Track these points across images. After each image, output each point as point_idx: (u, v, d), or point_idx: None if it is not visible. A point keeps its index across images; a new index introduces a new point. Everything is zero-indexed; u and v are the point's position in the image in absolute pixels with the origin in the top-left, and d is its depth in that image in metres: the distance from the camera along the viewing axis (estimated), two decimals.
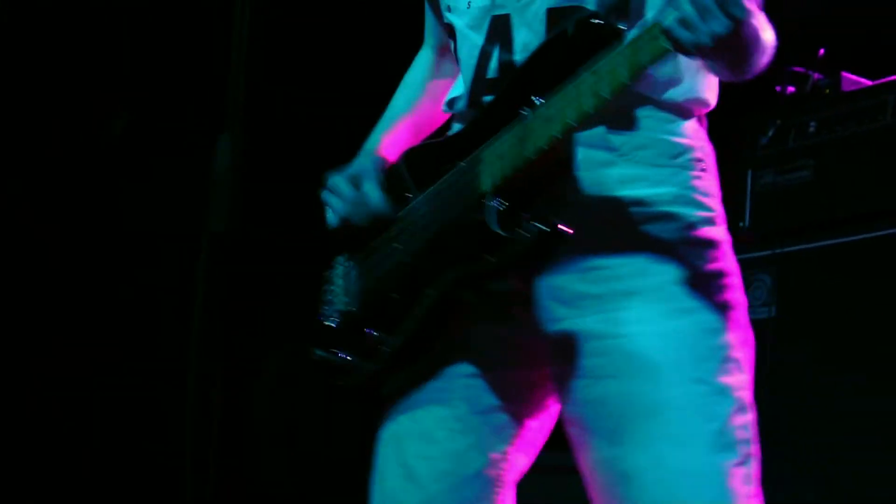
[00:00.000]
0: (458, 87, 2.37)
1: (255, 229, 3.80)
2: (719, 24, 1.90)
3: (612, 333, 2.14)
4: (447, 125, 2.46)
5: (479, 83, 2.28)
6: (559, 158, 2.14)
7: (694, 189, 2.20)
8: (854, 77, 4.02)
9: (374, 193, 2.33)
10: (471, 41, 2.30)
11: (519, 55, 2.23)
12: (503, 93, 2.21)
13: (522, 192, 2.13)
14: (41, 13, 4.92)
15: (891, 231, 3.68)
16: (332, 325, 2.40)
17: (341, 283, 2.42)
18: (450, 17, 2.33)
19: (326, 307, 2.42)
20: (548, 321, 2.21)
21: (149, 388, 4.93)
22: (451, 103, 2.39)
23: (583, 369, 2.17)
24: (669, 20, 1.92)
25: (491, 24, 2.27)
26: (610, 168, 2.19)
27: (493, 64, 2.26)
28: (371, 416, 2.39)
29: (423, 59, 2.58)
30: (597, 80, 2.01)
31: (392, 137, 2.50)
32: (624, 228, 2.18)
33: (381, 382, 2.32)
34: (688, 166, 2.21)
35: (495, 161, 2.14)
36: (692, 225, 2.18)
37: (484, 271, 2.15)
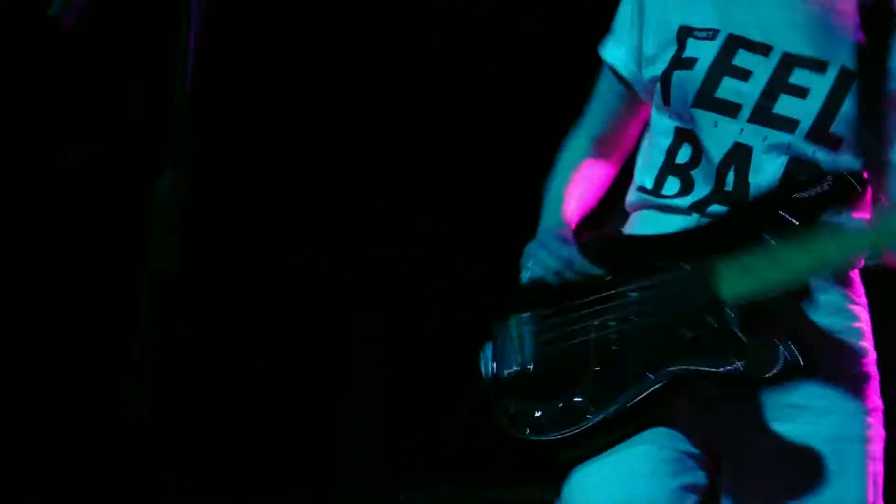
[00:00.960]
0: (648, 177, 2.64)
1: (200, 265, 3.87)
2: None
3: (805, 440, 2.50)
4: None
5: (718, 195, 2.55)
6: (798, 295, 2.46)
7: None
8: None
9: (579, 258, 2.54)
10: (711, 155, 2.56)
11: (752, 181, 2.52)
12: (739, 212, 2.50)
13: (760, 311, 2.42)
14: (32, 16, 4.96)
15: None
16: (510, 377, 2.53)
17: (515, 340, 2.56)
18: (675, 120, 2.60)
19: (501, 361, 2.55)
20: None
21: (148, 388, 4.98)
22: (652, 191, 2.63)
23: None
24: None
25: (733, 148, 2.54)
26: (845, 316, 2.55)
27: (730, 179, 2.54)
28: None
29: (579, 148, 2.79)
30: (842, 251, 2.43)
31: (568, 216, 2.71)
32: (844, 369, 2.54)
33: (567, 446, 2.48)
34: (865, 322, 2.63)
35: (740, 276, 2.42)
36: (872, 369, 2.59)
37: (730, 375, 2.40)
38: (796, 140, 2.52)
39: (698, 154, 2.58)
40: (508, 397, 2.51)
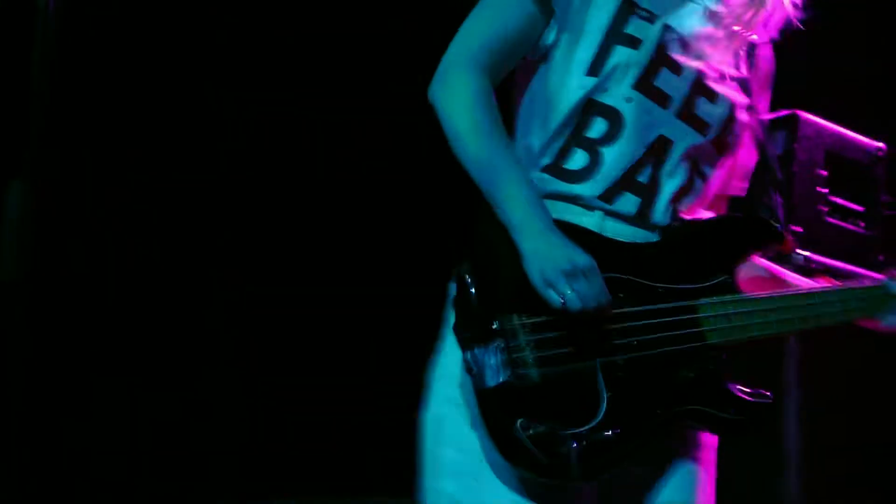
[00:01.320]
0: (549, 150, 2.55)
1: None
2: None
3: None
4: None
5: (627, 183, 2.54)
6: None
7: None
8: None
9: (606, 294, 2.44)
10: (632, 138, 2.54)
11: (663, 178, 2.55)
12: (700, 242, 2.56)
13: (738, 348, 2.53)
14: None
15: None
16: (515, 387, 2.43)
17: (517, 348, 2.44)
18: (592, 90, 2.53)
19: (505, 369, 2.43)
20: None
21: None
22: (572, 174, 2.55)
23: None
24: None
25: (657, 139, 2.55)
26: None
27: (646, 174, 2.54)
28: None
29: (485, 88, 2.52)
30: (827, 314, 2.56)
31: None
32: None
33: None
34: None
35: (721, 321, 2.51)
36: None
37: (720, 417, 2.49)
38: (705, 142, 2.60)
39: (616, 132, 2.54)
40: (521, 414, 2.41)
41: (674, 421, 2.49)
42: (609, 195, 2.54)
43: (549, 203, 2.52)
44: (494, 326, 2.42)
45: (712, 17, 2.64)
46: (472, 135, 2.48)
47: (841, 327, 2.62)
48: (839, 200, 4.28)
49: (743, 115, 2.64)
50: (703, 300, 2.51)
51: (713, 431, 2.58)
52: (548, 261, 2.41)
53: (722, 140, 2.62)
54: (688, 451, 2.61)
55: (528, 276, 2.43)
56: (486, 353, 2.42)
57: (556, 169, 2.56)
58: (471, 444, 2.49)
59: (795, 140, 4.16)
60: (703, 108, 2.59)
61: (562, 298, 2.40)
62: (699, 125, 2.59)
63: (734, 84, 2.64)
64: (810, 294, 2.59)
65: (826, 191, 4.23)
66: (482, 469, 2.48)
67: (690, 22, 2.61)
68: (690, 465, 2.60)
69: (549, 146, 2.56)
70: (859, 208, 4.34)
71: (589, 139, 2.55)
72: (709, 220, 2.63)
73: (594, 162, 2.54)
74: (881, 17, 4.80)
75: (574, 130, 2.55)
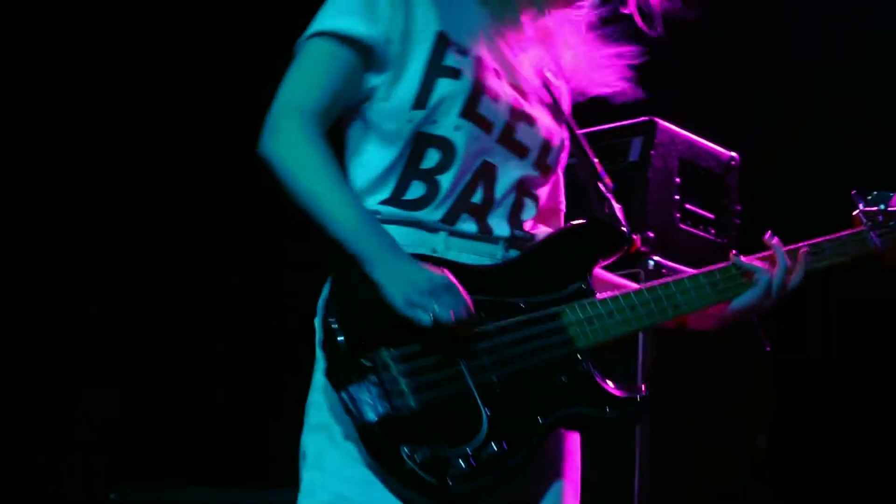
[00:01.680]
0: (385, 184, 2.61)
1: None
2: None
3: None
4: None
5: (463, 205, 2.61)
6: None
7: None
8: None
9: (469, 306, 2.48)
10: (464, 165, 2.61)
11: (495, 198, 2.63)
12: (550, 254, 2.63)
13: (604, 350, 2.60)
14: None
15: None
16: (397, 418, 2.44)
17: (393, 380, 2.45)
18: (419, 123, 2.59)
19: (385, 402, 2.44)
20: None
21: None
22: (416, 203, 2.60)
23: None
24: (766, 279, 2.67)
25: (483, 164, 2.63)
26: None
27: (479, 196, 2.62)
28: None
29: (316, 133, 2.55)
30: (685, 302, 2.65)
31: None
32: None
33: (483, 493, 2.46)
34: None
35: (584, 325, 2.58)
36: None
37: (598, 418, 2.56)
38: (526, 165, 2.69)
39: (449, 161, 2.61)
40: (405, 442, 2.43)
41: (555, 427, 2.55)
42: (449, 218, 2.62)
43: (392, 228, 2.58)
44: (365, 363, 2.45)
45: (519, 43, 2.75)
46: (308, 176, 2.52)
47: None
48: (692, 207, 4.39)
49: (560, 136, 2.74)
50: (565, 307, 2.59)
51: (589, 431, 2.65)
52: (407, 283, 2.46)
53: (542, 161, 2.71)
54: (554, 466, 2.66)
55: (391, 302, 2.46)
56: (361, 389, 2.44)
57: (394, 201, 2.62)
58: (330, 464, 2.52)
59: (652, 146, 4.25)
60: (522, 131, 2.68)
61: (430, 314, 2.43)
62: (519, 149, 2.68)
63: (549, 105, 2.75)
64: (665, 285, 2.67)
65: (679, 197, 4.34)
66: (342, 488, 2.50)
67: (502, 50, 2.72)
68: (559, 482, 2.66)
69: (385, 181, 2.63)
70: (710, 216, 4.46)
71: (424, 170, 2.62)
72: (557, 231, 2.71)
73: (432, 190, 2.62)
74: (733, 29, 4.93)
75: (408, 163, 2.62)
